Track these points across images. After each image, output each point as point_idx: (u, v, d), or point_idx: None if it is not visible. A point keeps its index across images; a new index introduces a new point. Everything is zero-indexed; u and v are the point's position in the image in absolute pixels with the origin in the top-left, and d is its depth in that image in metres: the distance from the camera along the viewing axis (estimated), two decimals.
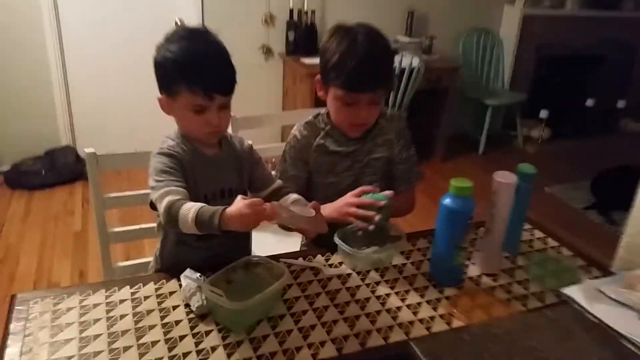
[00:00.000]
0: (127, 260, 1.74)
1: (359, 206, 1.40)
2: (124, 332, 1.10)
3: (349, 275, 1.33)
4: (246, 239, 1.48)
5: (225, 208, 1.12)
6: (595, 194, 3.94)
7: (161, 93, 1.30)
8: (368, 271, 1.35)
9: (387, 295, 1.26)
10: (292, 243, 1.80)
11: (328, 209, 1.45)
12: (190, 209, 1.15)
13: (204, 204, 1.16)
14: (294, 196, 1.40)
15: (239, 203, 1.11)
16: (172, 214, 1.16)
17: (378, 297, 1.25)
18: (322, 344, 1.09)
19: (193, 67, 1.23)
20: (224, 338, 1.09)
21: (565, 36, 5.00)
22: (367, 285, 1.30)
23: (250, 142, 1.47)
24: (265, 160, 1.51)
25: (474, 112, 4.82)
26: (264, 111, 3.97)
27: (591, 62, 5.40)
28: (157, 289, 1.24)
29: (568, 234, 1.58)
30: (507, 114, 5.03)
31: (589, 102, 5.30)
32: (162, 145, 1.31)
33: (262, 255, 1.30)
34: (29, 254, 3.02)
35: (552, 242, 1.55)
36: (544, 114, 4.95)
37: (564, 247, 1.53)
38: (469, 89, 4.73)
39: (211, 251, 1.37)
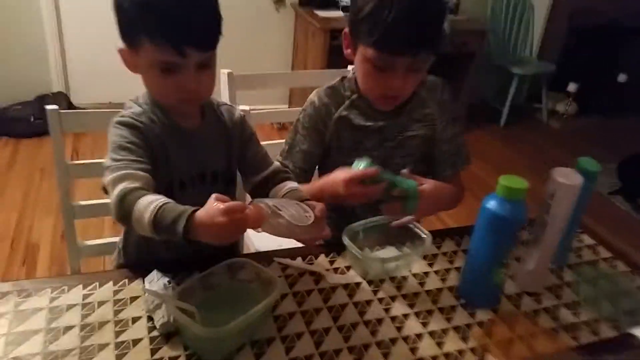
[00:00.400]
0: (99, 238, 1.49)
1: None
2: (64, 355, 0.85)
3: (357, 285, 1.07)
4: None
5: (196, 210, 0.85)
6: (622, 178, 3.63)
7: (123, 42, 1.00)
8: (382, 280, 1.09)
9: (405, 316, 1.00)
10: None
11: (325, 187, 1.18)
12: (150, 204, 0.87)
13: (169, 200, 0.89)
14: (290, 185, 1.12)
15: (212, 208, 0.83)
16: (125, 207, 0.90)
17: (393, 319, 0.99)
18: None
19: (157, 11, 0.92)
20: None
21: (600, 5, 4.58)
22: (380, 300, 1.04)
23: (241, 112, 1.18)
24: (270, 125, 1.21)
25: (498, 81, 4.47)
26: (270, 70, 3.66)
27: (626, 34, 4.98)
28: (115, 292, 0.99)
29: (591, 221, 1.32)
30: (532, 85, 4.67)
31: (622, 78, 4.91)
32: (124, 111, 1.03)
33: (251, 251, 1.04)
34: (9, 208, 2.78)
35: (604, 252, 1.28)
36: (572, 87, 4.59)
37: (619, 260, 1.26)
38: (495, 55, 4.36)
39: (188, 246, 1.10)
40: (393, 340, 0.94)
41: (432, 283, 1.10)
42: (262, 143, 1.24)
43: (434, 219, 2.67)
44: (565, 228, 1.05)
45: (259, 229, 0.88)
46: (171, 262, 1.06)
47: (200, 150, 1.07)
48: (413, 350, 0.92)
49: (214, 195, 0.85)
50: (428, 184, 1.15)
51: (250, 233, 1.62)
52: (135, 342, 0.88)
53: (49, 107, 1.28)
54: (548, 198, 1.02)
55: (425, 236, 1.14)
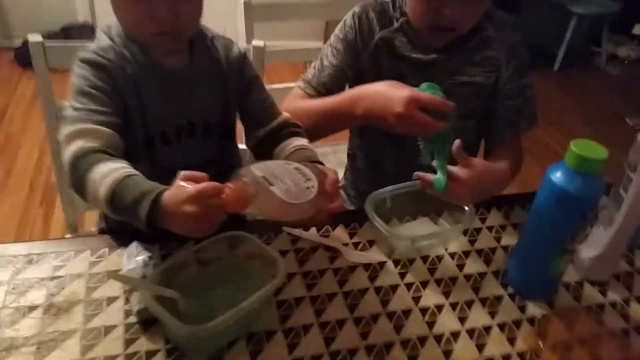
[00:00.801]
0: None
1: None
2: (26, 341, 0.70)
3: (381, 265, 0.89)
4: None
5: (164, 191, 0.66)
6: None
7: None
8: (411, 260, 0.90)
9: (438, 308, 0.82)
10: None
11: (364, 98, 0.94)
12: (106, 176, 0.70)
13: (133, 172, 0.71)
14: (297, 142, 0.92)
15: (179, 191, 0.65)
16: (77, 174, 0.72)
17: (423, 312, 0.81)
18: None
19: None
20: None
21: None
22: (409, 286, 0.85)
23: (242, 48, 0.96)
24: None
25: (555, 20, 4.04)
26: None
27: None
28: (92, 265, 0.83)
29: None
30: (592, 26, 4.22)
31: None
32: (90, 44, 0.83)
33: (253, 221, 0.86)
34: (31, 144, 2.69)
35: None
36: (637, 29, 4.15)
37: None
38: None
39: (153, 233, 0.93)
40: (422, 340, 0.76)
41: (473, 266, 0.91)
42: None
43: None
44: None
45: (247, 211, 0.69)
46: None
47: (187, 95, 0.87)
48: (446, 353, 0.74)
49: (181, 174, 0.66)
50: (468, 169, 0.87)
51: None
52: (108, 329, 0.73)
53: (31, 37, 1.11)
54: (629, 168, 0.80)
55: (466, 207, 0.93)
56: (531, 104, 1.11)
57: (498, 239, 0.97)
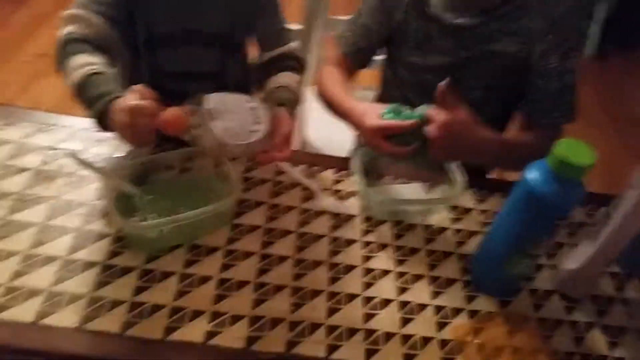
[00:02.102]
0: None
1: (390, 134, 0.87)
2: (5, 196, 0.81)
3: (349, 218, 0.89)
4: None
5: (119, 97, 0.70)
6: None
7: None
8: (383, 221, 0.89)
9: (384, 273, 0.81)
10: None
11: (354, 116, 0.95)
12: (82, 67, 0.74)
13: (105, 70, 0.75)
14: (284, 79, 0.91)
15: (123, 100, 0.69)
16: (60, 58, 0.77)
17: (367, 272, 0.81)
18: (234, 320, 0.71)
19: None
20: (113, 254, 0.76)
21: None
22: (364, 244, 0.85)
23: None
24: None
25: None
26: None
27: None
28: (88, 145, 0.91)
29: None
30: None
31: None
32: None
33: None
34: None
35: None
36: None
37: None
38: None
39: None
40: (350, 297, 0.77)
41: (443, 243, 0.88)
42: None
43: None
44: None
45: (186, 136, 0.71)
46: None
47: (195, 3, 0.89)
48: (367, 316, 0.75)
49: (136, 86, 0.70)
50: (448, 113, 0.83)
51: (308, 122, 1.47)
52: (77, 204, 0.81)
53: None
54: (630, 186, 0.71)
55: (457, 182, 0.89)
56: (571, 94, 0.99)
57: (486, 224, 0.92)
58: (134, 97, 0.68)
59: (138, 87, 0.70)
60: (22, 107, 0.98)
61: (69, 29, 0.79)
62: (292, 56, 0.95)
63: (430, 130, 0.83)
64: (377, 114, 0.88)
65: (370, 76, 1.28)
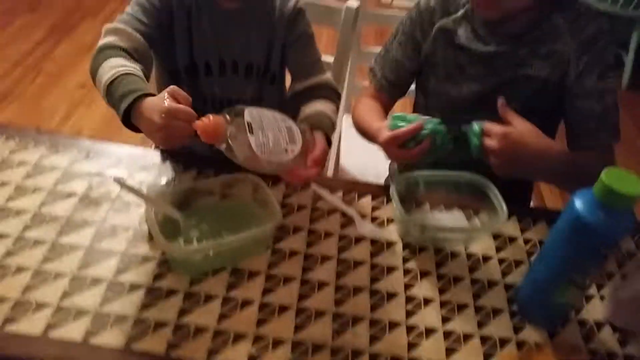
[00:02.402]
0: None
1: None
2: (54, 220, 0.83)
3: (389, 245, 0.88)
4: None
5: (149, 95, 0.73)
6: None
7: None
8: (422, 248, 0.88)
9: (426, 301, 0.80)
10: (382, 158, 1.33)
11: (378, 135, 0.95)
12: (114, 68, 0.77)
13: (138, 73, 0.78)
14: (319, 107, 0.92)
15: (159, 101, 0.71)
16: (97, 61, 0.81)
17: (408, 300, 0.79)
18: (275, 344, 0.71)
19: None
20: (158, 277, 0.77)
21: None
22: (406, 272, 0.84)
23: (300, 3, 0.97)
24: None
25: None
26: None
27: None
28: (134, 171, 0.94)
29: None
30: None
31: None
32: None
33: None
34: None
35: None
36: None
37: None
38: None
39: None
40: (392, 325, 0.75)
41: (487, 272, 0.86)
42: None
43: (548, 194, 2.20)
44: None
45: (221, 146, 0.72)
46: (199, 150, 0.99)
47: (234, 35, 0.92)
48: (410, 346, 0.73)
49: (171, 88, 0.72)
50: (516, 125, 0.85)
51: (342, 149, 1.47)
52: (121, 229, 0.83)
53: None
54: None
55: (500, 210, 0.87)
56: (613, 114, 0.97)
57: (530, 253, 0.90)
58: (168, 98, 0.69)
59: (172, 88, 0.72)
60: (68, 135, 1.01)
61: (108, 39, 0.83)
62: (326, 86, 0.97)
63: (490, 143, 0.84)
64: (387, 127, 0.90)
65: (403, 104, 1.28)
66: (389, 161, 1.32)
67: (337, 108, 1.00)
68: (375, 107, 1.09)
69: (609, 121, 0.98)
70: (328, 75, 0.99)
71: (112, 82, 0.76)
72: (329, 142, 0.88)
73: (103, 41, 0.84)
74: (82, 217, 0.84)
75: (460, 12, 1.00)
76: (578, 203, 0.68)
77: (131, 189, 0.78)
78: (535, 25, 0.95)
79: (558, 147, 0.91)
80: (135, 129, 0.77)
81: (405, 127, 0.88)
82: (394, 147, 0.89)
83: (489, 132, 0.85)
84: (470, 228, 0.92)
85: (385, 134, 0.90)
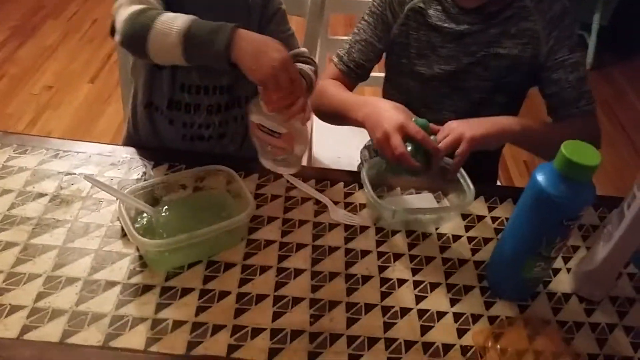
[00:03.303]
0: None
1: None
2: (26, 220, 0.82)
3: (363, 229, 0.90)
4: None
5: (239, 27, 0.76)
6: None
7: None
8: (395, 231, 0.90)
9: (400, 282, 0.81)
10: (355, 147, 1.35)
11: (368, 111, 0.95)
12: (178, 17, 0.77)
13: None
14: (301, 66, 0.92)
15: (271, 39, 0.78)
16: (140, 20, 0.77)
17: (384, 282, 0.81)
18: (254, 333, 0.72)
19: None
20: (133, 273, 0.77)
21: None
22: (380, 254, 0.86)
23: None
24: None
25: None
26: None
27: None
28: (104, 169, 0.93)
29: None
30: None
31: None
32: None
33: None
34: None
35: None
36: None
37: None
38: None
39: (192, 130, 1.01)
40: (368, 307, 0.77)
41: (458, 251, 0.88)
42: None
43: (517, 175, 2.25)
44: None
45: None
46: (176, 145, 1.01)
47: (215, 14, 0.92)
48: (387, 325, 0.75)
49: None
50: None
51: (314, 140, 1.49)
52: (94, 227, 0.83)
53: None
54: (636, 187, 0.72)
55: (468, 190, 0.90)
56: (587, 83, 1.03)
57: (499, 231, 0.93)
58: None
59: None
60: (37, 135, 1.00)
61: (137, 7, 0.79)
62: (305, 55, 0.98)
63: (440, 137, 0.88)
64: (407, 114, 0.91)
65: (370, 93, 1.30)
66: (361, 148, 1.33)
67: (316, 75, 1.00)
68: (342, 87, 1.09)
69: (585, 89, 1.03)
70: (303, 48, 1.01)
71: (188, 28, 0.75)
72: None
73: (133, 8, 0.79)
74: (54, 216, 0.83)
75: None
76: (540, 177, 0.70)
77: (102, 186, 0.78)
78: (505, 5, 0.99)
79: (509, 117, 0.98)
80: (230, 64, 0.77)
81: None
82: (401, 132, 0.86)
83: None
84: (441, 208, 0.94)
85: (403, 115, 0.89)
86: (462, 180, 0.91)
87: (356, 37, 1.11)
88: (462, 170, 0.91)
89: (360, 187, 0.97)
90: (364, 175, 0.88)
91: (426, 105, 1.07)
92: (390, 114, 0.90)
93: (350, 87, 1.13)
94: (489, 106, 1.06)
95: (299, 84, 0.80)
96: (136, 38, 0.78)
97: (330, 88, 1.08)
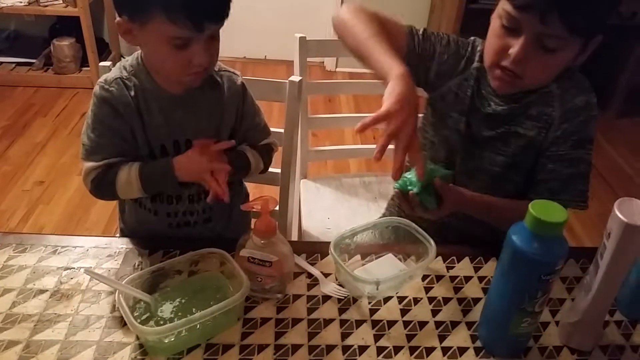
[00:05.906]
0: None
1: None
2: (28, 317, 0.84)
3: (355, 300, 0.92)
4: (236, 199, 1.10)
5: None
6: None
7: (121, 14, 0.91)
8: (387, 298, 0.93)
9: (397, 349, 0.84)
10: (343, 217, 1.40)
11: None
12: (130, 172, 0.97)
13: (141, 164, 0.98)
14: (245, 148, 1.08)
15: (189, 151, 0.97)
16: (103, 189, 1.00)
17: (380, 350, 0.83)
18: None
19: None
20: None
21: None
22: (374, 323, 0.88)
23: (241, 79, 1.07)
24: None
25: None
26: None
27: None
28: (101, 262, 0.96)
29: None
30: None
31: None
32: (103, 75, 0.98)
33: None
34: None
35: None
36: None
37: None
38: None
39: (177, 219, 1.09)
40: None
41: (449, 313, 0.91)
42: None
43: None
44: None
45: None
46: (163, 234, 1.06)
47: (185, 116, 1.00)
48: None
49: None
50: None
51: (303, 213, 1.53)
52: (94, 319, 0.85)
53: None
54: (605, 236, 0.77)
55: (428, 244, 0.95)
56: (580, 182, 1.02)
57: (486, 290, 0.95)
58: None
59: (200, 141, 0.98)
60: (33, 233, 1.04)
61: (92, 174, 0.98)
62: (267, 146, 1.11)
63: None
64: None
65: None
66: (349, 217, 1.37)
67: (264, 163, 1.12)
68: (377, 22, 1.00)
69: (575, 187, 1.01)
70: (272, 139, 1.14)
71: (141, 180, 0.97)
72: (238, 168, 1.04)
73: (91, 177, 0.99)
74: (55, 311, 0.85)
75: (468, 71, 1.05)
76: (514, 236, 0.75)
77: (101, 279, 0.81)
78: (534, 90, 1.01)
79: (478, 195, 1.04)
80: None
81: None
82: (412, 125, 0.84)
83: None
84: (417, 267, 0.96)
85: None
86: (419, 236, 0.97)
87: (435, 33, 1.07)
88: (416, 226, 0.99)
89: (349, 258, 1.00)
90: (338, 260, 0.91)
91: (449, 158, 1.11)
92: (405, 94, 0.84)
93: (398, 46, 1.00)
94: (503, 182, 1.07)
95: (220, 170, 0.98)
96: (108, 197, 1.04)
97: (359, 25, 0.98)
